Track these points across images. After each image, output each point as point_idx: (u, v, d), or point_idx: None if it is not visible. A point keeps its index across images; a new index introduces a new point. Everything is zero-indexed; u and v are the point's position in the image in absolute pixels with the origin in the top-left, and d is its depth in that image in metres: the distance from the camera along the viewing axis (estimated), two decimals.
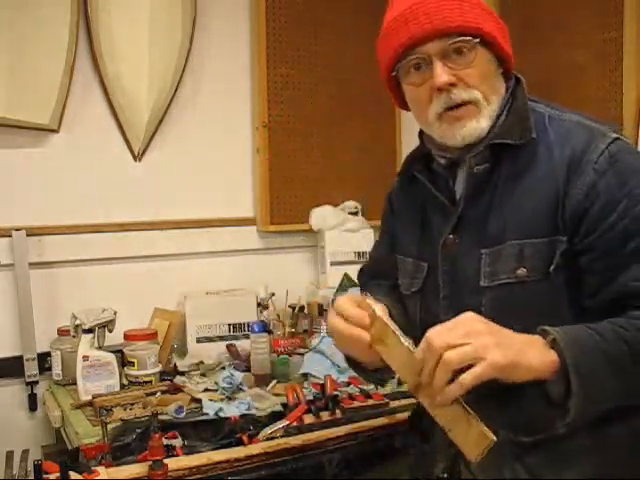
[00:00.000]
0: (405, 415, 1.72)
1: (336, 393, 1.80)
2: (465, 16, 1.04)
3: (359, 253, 2.57)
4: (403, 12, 1.06)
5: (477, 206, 1.11)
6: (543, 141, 1.07)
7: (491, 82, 1.09)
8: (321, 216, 2.54)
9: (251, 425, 1.66)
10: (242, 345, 2.27)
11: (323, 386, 1.85)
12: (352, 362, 1.25)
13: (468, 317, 0.95)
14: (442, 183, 1.17)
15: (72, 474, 1.38)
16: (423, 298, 1.20)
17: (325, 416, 1.71)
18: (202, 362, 2.17)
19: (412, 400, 1.78)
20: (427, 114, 1.09)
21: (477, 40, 1.05)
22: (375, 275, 1.41)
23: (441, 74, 1.04)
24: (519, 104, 1.11)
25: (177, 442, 1.55)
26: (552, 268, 1.03)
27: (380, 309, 1.04)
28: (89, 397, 1.82)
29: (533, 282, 1.04)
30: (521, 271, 1.05)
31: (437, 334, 0.92)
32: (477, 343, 0.90)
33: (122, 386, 1.95)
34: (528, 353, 0.93)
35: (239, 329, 2.35)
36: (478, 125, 1.07)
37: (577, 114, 1.11)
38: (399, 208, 1.32)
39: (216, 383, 1.96)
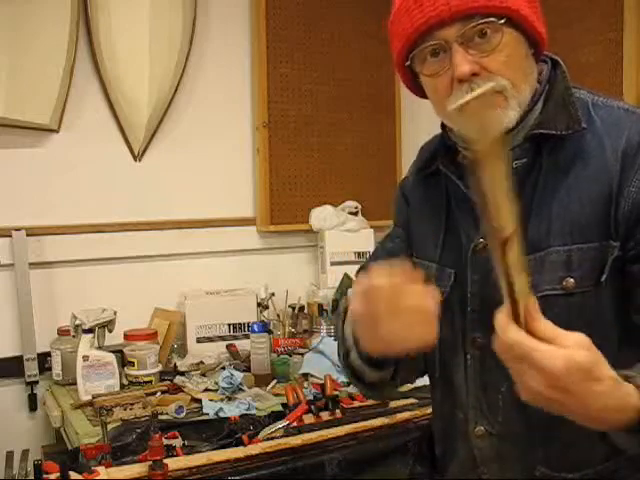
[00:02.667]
0: (405, 415, 1.73)
1: (336, 393, 1.80)
2: None
3: (359, 253, 2.57)
4: None
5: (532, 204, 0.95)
6: (590, 131, 0.93)
7: (521, 67, 0.93)
8: (321, 216, 2.54)
9: (251, 425, 1.66)
10: (242, 345, 2.27)
11: (323, 386, 1.85)
12: (355, 375, 1.09)
13: (585, 364, 0.72)
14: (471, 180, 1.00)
15: (72, 474, 1.38)
16: (446, 311, 0.99)
17: (325, 416, 1.71)
18: (202, 362, 2.17)
19: (412, 400, 1.78)
20: (446, 105, 0.93)
21: (503, 21, 0.90)
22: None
23: (461, 63, 0.89)
24: (560, 89, 0.97)
25: (177, 442, 1.55)
26: (604, 277, 0.90)
27: None
28: (89, 397, 1.82)
29: (581, 294, 0.91)
30: (568, 281, 0.91)
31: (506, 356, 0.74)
32: (560, 407, 0.74)
33: (122, 386, 1.95)
34: (609, 422, 0.77)
35: (239, 329, 2.35)
36: (506, 116, 0.93)
37: (621, 101, 0.98)
38: (415, 205, 1.15)
39: (216, 383, 1.96)
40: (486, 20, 0.89)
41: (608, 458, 0.87)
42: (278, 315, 2.39)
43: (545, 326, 0.72)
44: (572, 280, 0.90)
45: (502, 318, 0.73)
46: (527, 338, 0.71)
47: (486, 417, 0.99)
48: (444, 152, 1.06)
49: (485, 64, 0.90)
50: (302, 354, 2.17)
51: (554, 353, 0.70)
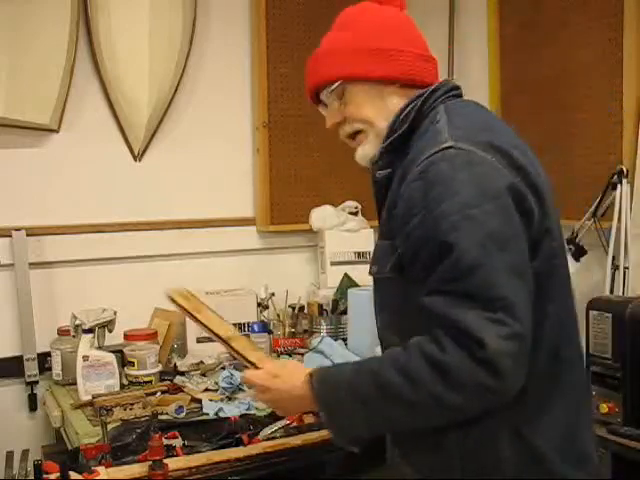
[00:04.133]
0: None
1: None
2: (326, 68, 1.20)
3: (359, 253, 2.57)
4: (306, 65, 1.28)
5: (383, 209, 1.19)
6: (416, 147, 1.11)
7: (371, 107, 1.18)
8: (321, 216, 2.54)
9: (251, 425, 1.66)
10: None
11: None
12: None
13: (271, 375, 1.19)
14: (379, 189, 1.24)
15: (72, 474, 1.38)
16: None
17: None
18: (202, 362, 2.16)
19: None
20: None
21: (336, 84, 1.19)
22: None
23: (327, 121, 1.26)
24: (409, 107, 1.15)
25: (177, 442, 1.55)
26: (389, 267, 1.10)
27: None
28: (89, 397, 1.82)
29: (383, 279, 1.15)
30: (373, 268, 1.17)
31: (252, 377, 1.22)
32: (264, 399, 1.22)
33: (122, 386, 1.95)
34: (288, 408, 1.23)
35: (239, 329, 2.34)
36: (363, 151, 1.22)
37: (459, 120, 1.09)
38: None
39: (216, 383, 1.96)
40: (328, 89, 1.21)
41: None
42: (278, 315, 2.39)
43: (267, 365, 1.22)
44: (375, 267, 1.16)
45: (247, 372, 1.24)
46: (251, 374, 1.23)
47: None
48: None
49: (344, 114, 1.21)
50: (302, 354, 2.17)
51: (255, 374, 1.22)
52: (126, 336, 2.14)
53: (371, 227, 2.59)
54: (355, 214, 2.61)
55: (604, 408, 1.62)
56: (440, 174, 1.01)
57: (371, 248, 2.57)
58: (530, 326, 0.96)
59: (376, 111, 1.18)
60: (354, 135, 1.23)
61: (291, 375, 1.16)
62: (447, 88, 1.17)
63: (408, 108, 1.14)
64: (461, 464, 1.05)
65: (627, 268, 1.91)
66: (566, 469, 1.04)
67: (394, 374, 0.99)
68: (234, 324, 2.33)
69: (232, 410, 1.75)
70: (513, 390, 0.97)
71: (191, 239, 2.46)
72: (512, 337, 0.93)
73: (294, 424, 1.65)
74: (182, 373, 2.10)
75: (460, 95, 1.20)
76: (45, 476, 1.41)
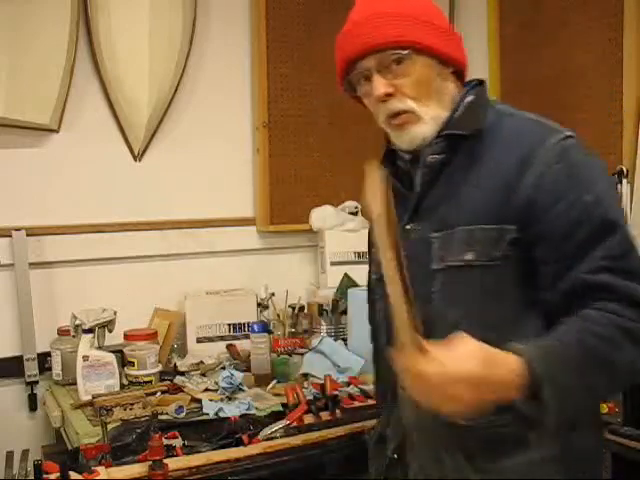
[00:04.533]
0: None
1: (336, 393, 1.80)
2: (398, 30, 1.11)
3: (359, 253, 2.57)
4: (350, 29, 1.18)
5: (433, 195, 1.16)
6: (497, 135, 1.12)
7: (430, 87, 1.14)
8: (321, 216, 2.54)
9: (251, 425, 1.66)
10: (242, 345, 2.27)
11: (323, 386, 1.85)
12: None
13: (458, 359, 0.91)
14: (405, 177, 1.22)
15: (72, 474, 1.38)
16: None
17: (325, 416, 1.71)
18: (202, 362, 2.17)
19: None
20: (379, 120, 1.20)
21: (406, 52, 1.11)
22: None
23: (377, 87, 1.14)
24: (476, 101, 1.16)
25: (177, 442, 1.55)
26: (500, 254, 1.07)
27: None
28: (89, 397, 1.82)
29: (481, 267, 1.08)
30: (469, 255, 1.09)
31: (418, 381, 0.93)
32: (450, 406, 0.92)
33: (122, 386, 1.95)
34: (498, 394, 0.93)
35: (239, 329, 2.35)
36: (420, 130, 1.15)
37: (534, 115, 1.15)
38: None
39: (216, 383, 1.96)
40: (393, 52, 1.11)
41: (495, 412, 0.96)
42: (278, 315, 2.39)
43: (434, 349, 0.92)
44: (472, 254, 1.08)
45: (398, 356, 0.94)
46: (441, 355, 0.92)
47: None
48: (387, 153, 1.27)
49: (398, 86, 1.13)
50: (302, 354, 2.17)
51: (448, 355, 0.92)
52: (126, 336, 2.14)
53: None
54: (355, 214, 2.61)
55: (604, 408, 1.62)
56: (581, 160, 1.06)
57: None
58: None
59: (435, 94, 1.15)
60: (397, 114, 1.15)
61: (491, 357, 0.93)
62: (486, 85, 1.21)
63: (471, 98, 1.16)
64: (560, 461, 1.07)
65: None
66: None
67: (598, 343, 0.97)
68: (234, 324, 2.35)
69: (232, 410, 1.75)
70: None
71: (191, 239, 2.46)
72: None
73: (294, 424, 1.65)
74: (182, 373, 2.10)
75: None
76: (45, 476, 1.41)
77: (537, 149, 1.06)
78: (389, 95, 1.13)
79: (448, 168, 1.15)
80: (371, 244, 1.37)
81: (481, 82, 1.21)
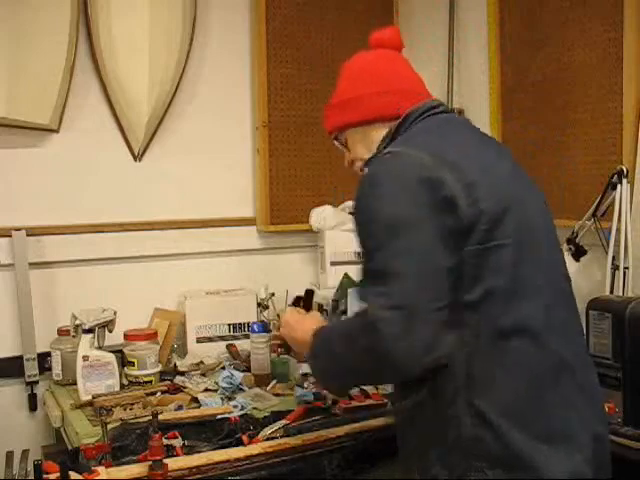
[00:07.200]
0: None
1: None
2: (325, 124, 1.45)
3: (359, 253, 2.57)
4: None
5: None
6: None
7: (363, 146, 1.38)
8: (321, 216, 2.54)
9: (251, 425, 1.66)
10: (242, 345, 2.27)
11: None
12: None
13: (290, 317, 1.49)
14: None
15: (72, 474, 1.38)
16: None
17: (325, 416, 1.71)
18: (202, 362, 2.17)
19: None
20: None
21: (333, 136, 1.44)
22: None
23: (344, 161, 1.46)
24: (389, 135, 1.33)
25: (177, 442, 1.55)
26: None
27: None
28: (89, 397, 1.82)
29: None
30: None
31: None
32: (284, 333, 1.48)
33: (122, 386, 1.95)
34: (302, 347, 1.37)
35: (239, 329, 2.35)
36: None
37: (425, 136, 1.27)
38: None
39: (216, 383, 1.96)
40: (331, 138, 1.46)
41: (405, 397, 1.24)
42: (278, 315, 2.39)
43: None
44: None
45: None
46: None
47: None
48: None
49: (350, 156, 1.44)
50: None
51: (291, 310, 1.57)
52: (126, 336, 2.14)
53: None
54: None
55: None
56: (368, 173, 1.23)
57: None
58: (422, 298, 1.08)
59: (366, 147, 1.37)
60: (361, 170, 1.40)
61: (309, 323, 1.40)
62: (423, 109, 1.31)
63: (383, 135, 1.33)
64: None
65: (627, 268, 1.90)
66: (523, 440, 1.10)
67: (334, 334, 1.26)
68: (234, 324, 2.35)
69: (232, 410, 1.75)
70: (404, 354, 1.07)
71: (191, 239, 2.46)
72: (393, 307, 1.07)
73: (294, 424, 1.65)
74: (182, 373, 2.10)
75: (441, 112, 1.33)
76: (45, 476, 1.41)
77: None
78: (351, 163, 1.44)
79: None
80: None
81: (406, 113, 1.32)
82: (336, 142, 1.45)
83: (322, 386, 1.55)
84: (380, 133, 1.34)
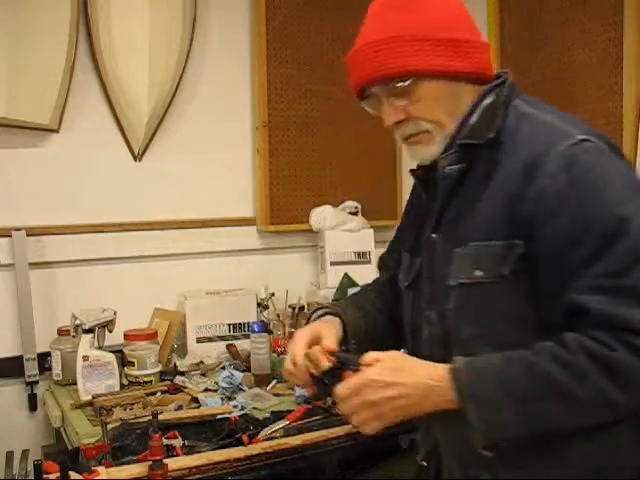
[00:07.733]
0: None
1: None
2: (396, 60, 1.06)
3: (359, 253, 2.57)
4: (354, 52, 1.13)
5: (453, 207, 1.12)
6: (512, 142, 1.06)
7: (444, 107, 1.10)
8: (321, 216, 2.54)
9: (251, 425, 1.66)
10: (242, 345, 2.27)
11: None
12: None
13: (373, 376, 1.02)
14: (432, 185, 1.18)
15: (72, 474, 1.38)
16: (415, 292, 1.22)
17: (325, 416, 1.71)
18: (202, 362, 2.17)
19: None
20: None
21: (408, 82, 1.07)
22: (383, 264, 1.45)
23: (387, 117, 1.12)
24: (493, 104, 1.10)
25: (177, 442, 1.55)
26: (508, 271, 1.02)
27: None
28: (89, 397, 1.82)
29: (490, 284, 1.04)
30: (478, 272, 1.05)
31: (342, 400, 1.05)
32: (373, 413, 1.04)
33: (122, 386, 1.95)
34: (424, 406, 1.03)
35: (239, 329, 2.35)
36: (429, 151, 1.12)
37: (555, 114, 1.08)
38: (410, 203, 1.36)
39: (216, 383, 1.96)
40: (395, 85, 1.08)
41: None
42: (278, 315, 2.39)
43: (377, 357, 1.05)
44: (480, 272, 1.05)
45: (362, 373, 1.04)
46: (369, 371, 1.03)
47: None
48: (417, 166, 1.22)
49: (410, 112, 1.10)
50: None
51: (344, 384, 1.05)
52: (126, 336, 2.14)
53: (371, 227, 2.59)
54: (355, 214, 2.61)
55: None
56: (591, 166, 0.99)
57: (371, 248, 2.57)
58: None
59: (449, 111, 1.10)
60: (414, 134, 1.12)
61: (416, 367, 1.04)
62: (509, 80, 1.12)
63: (488, 101, 1.10)
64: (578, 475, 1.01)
65: None
66: None
67: (554, 368, 0.93)
68: (234, 324, 2.35)
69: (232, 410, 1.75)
70: None
71: (191, 239, 2.46)
72: None
73: (294, 424, 1.65)
74: (182, 373, 2.10)
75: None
76: (45, 476, 1.41)
77: (542, 159, 1.00)
78: (400, 122, 1.11)
79: (468, 178, 1.10)
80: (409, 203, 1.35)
81: (504, 78, 1.13)
82: (386, 88, 1.09)
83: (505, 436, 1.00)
84: (470, 97, 1.11)
